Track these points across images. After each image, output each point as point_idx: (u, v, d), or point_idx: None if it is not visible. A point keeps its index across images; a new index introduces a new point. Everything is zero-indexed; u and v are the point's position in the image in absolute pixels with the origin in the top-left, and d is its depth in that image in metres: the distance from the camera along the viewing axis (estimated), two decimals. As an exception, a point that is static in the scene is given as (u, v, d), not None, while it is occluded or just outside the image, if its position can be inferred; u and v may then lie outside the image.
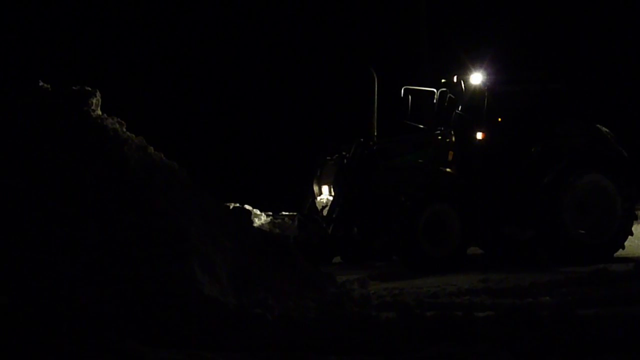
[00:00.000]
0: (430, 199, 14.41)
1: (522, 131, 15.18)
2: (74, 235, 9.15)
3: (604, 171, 14.95)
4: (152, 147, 10.78)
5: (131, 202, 9.70)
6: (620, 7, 29.02)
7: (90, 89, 10.82)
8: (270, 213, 17.69)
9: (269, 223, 17.11)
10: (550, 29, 28.36)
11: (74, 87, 10.83)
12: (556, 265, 14.27)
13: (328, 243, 14.43)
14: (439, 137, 15.30)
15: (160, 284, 8.84)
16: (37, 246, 8.97)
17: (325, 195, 15.25)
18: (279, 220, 16.83)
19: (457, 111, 15.44)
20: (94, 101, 10.66)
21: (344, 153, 15.03)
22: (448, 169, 14.99)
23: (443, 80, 16.05)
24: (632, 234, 15.18)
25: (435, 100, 16.05)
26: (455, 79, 15.60)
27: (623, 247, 14.96)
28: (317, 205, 15.22)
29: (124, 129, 10.61)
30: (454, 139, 15.21)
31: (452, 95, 15.90)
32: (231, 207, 17.98)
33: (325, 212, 14.97)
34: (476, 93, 15.25)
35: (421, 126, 15.98)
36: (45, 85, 10.79)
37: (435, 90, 16.10)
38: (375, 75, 15.10)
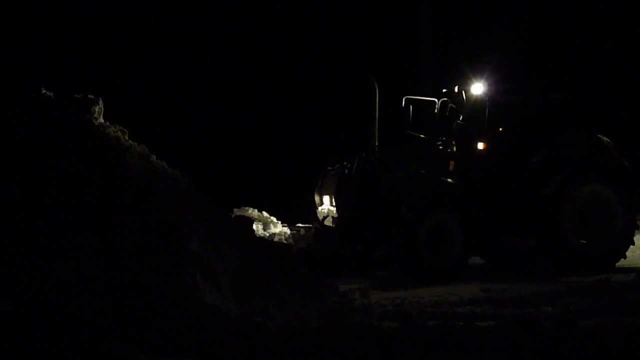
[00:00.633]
0: (432, 210, 14.41)
1: (523, 141, 15.18)
2: (76, 242, 9.14)
3: (605, 181, 14.95)
4: (154, 156, 10.79)
5: (133, 210, 9.69)
6: (621, 17, 29.05)
7: (92, 97, 10.82)
8: (286, 224, 17.74)
9: (285, 233, 17.15)
10: (551, 39, 28.39)
11: (76, 95, 10.83)
12: (558, 275, 14.26)
13: (337, 259, 14.42)
14: (440, 148, 15.31)
15: (162, 292, 8.84)
16: (38, 253, 8.97)
17: (326, 205, 15.26)
18: (295, 232, 16.87)
19: (458, 121, 15.45)
20: (97, 109, 10.66)
21: (345, 163, 15.03)
22: (449, 179, 14.99)
23: (444, 90, 16.07)
24: (633, 244, 15.18)
25: (436, 110, 16.06)
26: (456, 89, 15.62)
27: (625, 257, 14.96)
28: (318, 215, 15.23)
29: (126, 137, 10.61)
30: (455, 149, 15.21)
31: (453, 105, 15.91)
32: (249, 211, 18.14)
33: (326, 222, 14.98)
34: (477, 103, 15.26)
35: (422, 136, 15.98)
36: (48, 93, 10.80)
37: (436, 100, 16.12)
38: (376, 85, 15.10)
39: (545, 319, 9.16)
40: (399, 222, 14.16)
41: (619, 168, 15.14)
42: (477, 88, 15.25)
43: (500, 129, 15.38)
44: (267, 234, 17.36)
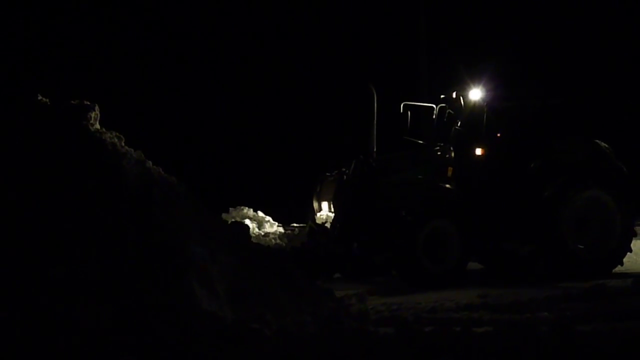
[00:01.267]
0: (430, 215, 14.40)
1: (521, 147, 15.18)
2: (72, 249, 9.13)
3: (604, 187, 14.94)
4: (150, 162, 10.78)
5: (129, 217, 9.69)
6: (618, 23, 29.09)
7: (88, 103, 10.81)
8: (281, 225, 17.78)
9: (279, 233, 17.19)
10: (549, 45, 28.40)
11: (72, 101, 10.82)
12: (555, 280, 14.25)
13: (331, 259, 14.42)
14: (438, 153, 15.30)
15: (158, 298, 8.83)
16: (35, 260, 8.96)
17: (325, 211, 15.25)
18: (289, 231, 16.89)
19: (456, 127, 15.43)
20: (93, 115, 10.65)
21: (343, 169, 15.03)
22: (447, 185, 14.97)
23: (442, 96, 16.06)
24: (630, 251, 15.16)
25: (434, 116, 16.05)
26: (454, 95, 15.61)
27: (622, 264, 14.94)
28: (317, 221, 15.22)
29: (123, 143, 10.61)
30: (453, 154, 15.20)
31: (451, 111, 15.90)
32: (245, 211, 18.28)
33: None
34: (475, 109, 15.25)
35: (420, 142, 15.97)
36: (44, 99, 10.79)
37: (434, 106, 16.10)
38: (374, 92, 15.09)
39: (541, 325, 9.17)
40: (398, 228, 14.15)
41: (618, 174, 15.13)
42: (475, 94, 15.24)
43: (499, 135, 15.38)
44: (262, 233, 17.43)
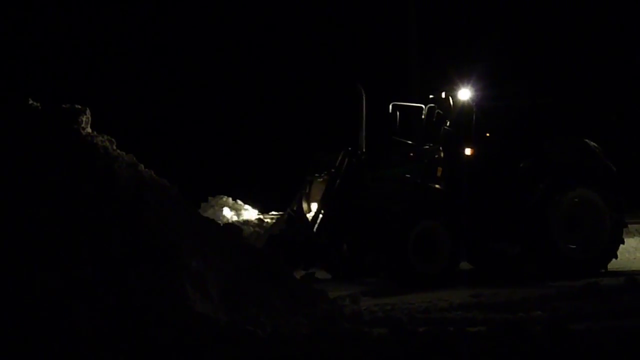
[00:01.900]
0: (420, 216, 14.38)
1: (510, 147, 15.20)
2: (64, 251, 9.12)
3: (592, 186, 14.98)
4: (142, 165, 10.77)
5: (121, 219, 9.68)
6: (608, 22, 29.17)
7: (80, 107, 10.79)
8: (260, 213, 17.82)
9: (257, 220, 17.21)
10: (538, 44, 28.48)
11: (63, 105, 10.81)
12: (548, 279, 14.28)
13: (311, 246, 14.33)
14: (428, 153, 15.29)
15: (151, 300, 8.82)
16: (27, 262, 8.94)
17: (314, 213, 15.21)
18: (268, 219, 16.90)
19: (445, 127, 15.42)
20: (84, 119, 10.63)
21: (332, 170, 14.99)
22: (437, 185, 14.96)
23: (431, 96, 16.05)
24: (623, 243, 15.18)
25: (423, 116, 16.04)
26: (443, 95, 15.60)
27: (616, 257, 14.97)
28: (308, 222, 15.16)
29: (114, 147, 10.60)
30: (442, 154, 15.19)
31: (440, 111, 15.88)
32: (224, 199, 18.39)
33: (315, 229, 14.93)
34: (464, 109, 15.24)
35: (409, 142, 15.96)
36: (35, 103, 10.77)
37: (423, 106, 16.10)
38: (363, 92, 15.08)
39: (535, 324, 9.20)
40: (388, 230, 14.13)
41: (606, 173, 15.17)
42: (464, 94, 15.24)
43: (488, 135, 15.39)
44: (241, 222, 17.46)
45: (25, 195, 9.63)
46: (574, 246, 14.86)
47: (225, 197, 19.00)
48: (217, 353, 8.11)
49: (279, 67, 29.55)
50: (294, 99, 28.90)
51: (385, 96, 16.10)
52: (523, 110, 15.51)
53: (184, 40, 30.36)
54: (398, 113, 15.66)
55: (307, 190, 15.30)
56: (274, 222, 16.34)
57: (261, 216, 17.80)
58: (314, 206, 15.08)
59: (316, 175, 15.36)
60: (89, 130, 10.69)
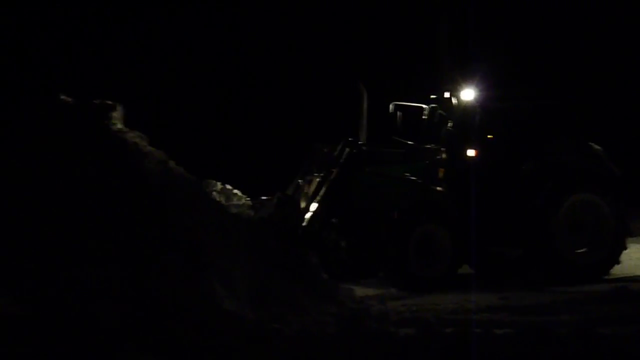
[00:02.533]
0: (421, 219, 14.23)
1: (513, 148, 15.02)
2: (92, 247, 9.17)
3: (596, 189, 14.80)
4: (173, 161, 10.81)
5: (150, 216, 9.72)
6: (613, 24, 28.96)
7: (111, 102, 10.85)
8: (249, 198, 17.78)
9: (247, 205, 17.19)
10: (542, 45, 28.27)
11: (94, 101, 10.86)
12: (577, 284, 14.15)
13: (302, 231, 14.19)
14: (430, 154, 15.14)
15: (179, 298, 8.85)
16: (55, 258, 9.00)
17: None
18: (257, 203, 16.85)
19: (448, 128, 15.29)
20: (115, 115, 10.69)
21: (331, 170, 14.84)
22: (439, 187, 14.83)
23: (433, 96, 15.89)
24: (625, 249, 14.96)
25: (425, 117, 15.91)
26: (446, 95, 15.45)
27: (618, 262, 14.79)
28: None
29: (145, 143, 10.64)
30: (444, 156, 15.06)
31: (442, 112, 15.72)
32: (219, 186, 18.43)
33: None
34: (467, 110, 15.10)
35: (410, 143, 15.78)
36: (67, 98, 10.83)
37: (424, 106, 15.95)
38: (364, 90, 14.99)
39: (562, 327, 9.14)
40: (389, 232, 14.00)
41: (610, 176, 15.01)
42: (468, 94, 15.11)
43: (491, 136, 15.24)
44: (229, 205, 17.45)
45: (54, 191, 9.69)
46: (576, 250, 14.68)
47: (214, 181, 19.04)
48: (243, 351, 8.13)
49: (281, 64, 29.56)
50: (295, 93, 28.88)
51: (386, 95, 15.99)
52: (527, 112, 15.33)
53: (186, 32, 30.44)
54: (399, 113, 15.56)
55: (306, 190, 15.11)
56: (262, 205, 16.22)
57: (249, 202, 17.79)
58: (313, 206, 14.88)
59: (315, 174, 15.23)
60: (119, 126, 10.74)
